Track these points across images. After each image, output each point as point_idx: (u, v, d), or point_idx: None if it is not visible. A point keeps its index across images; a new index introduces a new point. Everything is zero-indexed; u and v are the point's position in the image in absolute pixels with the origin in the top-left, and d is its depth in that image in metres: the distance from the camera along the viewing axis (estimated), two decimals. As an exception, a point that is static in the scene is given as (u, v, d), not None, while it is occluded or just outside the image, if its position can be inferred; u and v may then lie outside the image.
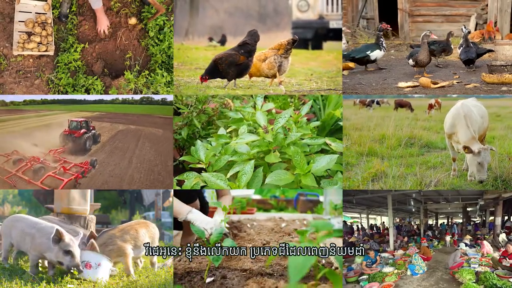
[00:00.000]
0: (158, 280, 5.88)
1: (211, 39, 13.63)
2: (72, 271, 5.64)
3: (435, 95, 9.42)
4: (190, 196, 6.24)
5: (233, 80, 7.66)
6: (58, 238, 5.65)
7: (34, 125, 9.21)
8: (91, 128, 8.81)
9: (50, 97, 7.61)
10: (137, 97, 7.90)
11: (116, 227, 6.41)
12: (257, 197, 11.68)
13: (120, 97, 8.18)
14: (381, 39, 8.67)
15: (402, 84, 7.93)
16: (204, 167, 5.39)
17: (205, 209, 6.58)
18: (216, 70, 7.57)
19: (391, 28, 9.02)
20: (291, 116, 5.58)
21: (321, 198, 10.64)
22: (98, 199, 9.87)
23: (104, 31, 7.29)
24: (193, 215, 5.40)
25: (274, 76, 7.64)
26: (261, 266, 4.90)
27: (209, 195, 8.73)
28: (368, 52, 8.68)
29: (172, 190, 6.44)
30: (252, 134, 5.39)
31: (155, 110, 7.25)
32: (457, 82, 7.97)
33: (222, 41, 13.74)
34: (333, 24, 13.55)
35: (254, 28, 7.72)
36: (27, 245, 6.02)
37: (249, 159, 5.06)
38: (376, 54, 8.67)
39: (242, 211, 9.43)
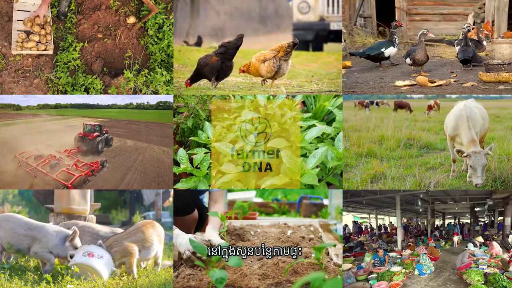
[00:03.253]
0: (158, 280, 5.87)
1: (186, 42, 13.66)
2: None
3: (433, 95, 9.41)
4: (188, 207, 6.24)
5: (215, 82, 7.75)
6: (73, 237, 6.11)
7: (50, 128, 9.38)
8: (104, 132, 9.06)
9: (63, 101, 7.74)
10: (154, 101, 7.86)
11: (123, 231, 6.44)
12: (259, 200, 11.63)
13: (135, 101, 8.25)
14: (395, 36, 8.72)
15: (399, 82, 7.92)
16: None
17: (204, 215, 6.56)
18: (197, 71, 7.69)
19: (400, 25, 9.02)
20: (285, 104, 6.05)
21: (325, 201, 10.58)
22: (98, 199, 9.87)
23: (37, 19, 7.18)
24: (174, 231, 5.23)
25: (273, 78, 7.64)
26: (270, 283, 4.55)
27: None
28: (382, 50, 8.74)
29: (172, 190, 6.44)
30: (254, 112, 5.89)
31: (169, 117, 7.05)
32: (454, 81, 7.97)
33: (198, 43, 13.76)
34: (333, 26, 13.54)
35: (242, 32, 7.77)
36: (22, 246, 6.15)
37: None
38: (390, 51, 8.73)
39: (244, 216, 9.34)
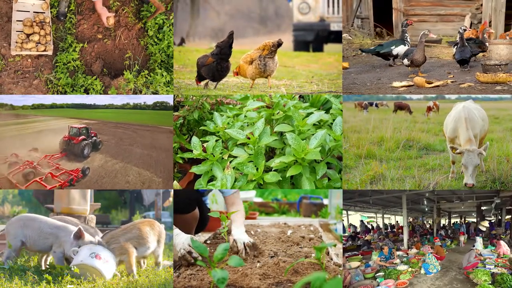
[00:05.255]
0: (158, 280, 5.86)
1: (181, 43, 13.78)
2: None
3: (431, 95, 9.43)
4: (189, 206, 6.25)
5: (206, 86, 7.90)
6: (79, 236, 6.02)
7: (39, 130, 9.19)
8: (92, 135, 8.87)
9: (59, 101, 7.68)
10: (150, 101, 7.83)
11: (119, 227, 6.42)
12: (259, 200, 11.64)
13: (132, 101, 8.17)
14: (406, 34, 8.79)
15: (396, 83, 7.94)
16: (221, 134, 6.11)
17: (205, 216, 6.57)
18: (197, 71, 7.87)
19: (411, 23, 9.10)
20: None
21: (325, 201, 10.59)
22: (98, 199, 9.85)
23: (107, 22, 7.24)
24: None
25: (263, 77, 7.72)
26: (271, 283, 4.51)
27: (210, 201, 8.72)
28: (392, 48, 8.78)
29: (172, 190, 6.44)
30: (259, 101, 6.23)
31: (166, 119, 6.89)
32: (451, 82, 7.98)
33: (180, 44, 13.84)
34: (334, 27, 13.57)
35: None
36: (47, 244, 6.18)
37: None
38: (399, 49, 8.80)
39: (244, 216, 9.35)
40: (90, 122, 9.23)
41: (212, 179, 5.81)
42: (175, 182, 5.91)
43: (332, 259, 5.27)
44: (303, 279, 3.88)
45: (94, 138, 8.94)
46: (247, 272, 4.68)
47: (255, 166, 5.42)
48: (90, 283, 5.59)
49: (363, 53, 9.39)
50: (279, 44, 7.56)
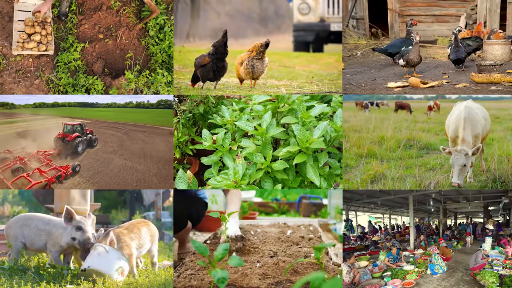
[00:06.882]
0: (158, 280, 5.85)
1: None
2: (84, 245, 5.89)
3: (432, 95, 9.44)
4: (181, 223, 6.37)
5: (201, 84, 7.92)
6: (69, 217, 6.00)
7: (34, 128, 9.15)
8: (87, 132, 8.84)
9: (61, 99, 7.66)
10: (154, 99, 7.81)
11: (120, 226, 6.40)
12: (258, 200, 11.66)
13: (134, 100, 8.13)
14: (412, 34, 8.79)
15: (391, 84, 7.95)
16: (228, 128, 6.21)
17: (201, 210, 6.64)
18: (194, 71, 7.87)
19: (416, 24, 9.11)
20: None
21: (325, 201, 10.61)
22: (98, 199, 9.86)
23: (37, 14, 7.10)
24: None
25: (252, 78, 7.74)
26: (270, 283, 4.50)
27: (210, 201, 8.74)
28: (403, 48, 8.80)
29: (172, 190, 6.45)
30: (265, 95, 6.42)
31: (168, 118, 6.79)
32: (446, 82, 7.99)
33: None
34: (334, 27, 13.58)
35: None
36: (41, 242, 6.17)
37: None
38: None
39: (244, 216, 9.35)
40: (83, 122, 9.18)
41: (220, 169, 5.92)
42: (188, 171, 5.91)
43: (331, 259, 5.28)
44: (302, 279, 3.88)
45: (90, 135, 8.93)
46: (247, 272, 4.69)
47: (263, 155, 5.55)
48: (90, 283, 5.59)
49: (358, 54, 9.36)
50: (266, 44, 7.58)
